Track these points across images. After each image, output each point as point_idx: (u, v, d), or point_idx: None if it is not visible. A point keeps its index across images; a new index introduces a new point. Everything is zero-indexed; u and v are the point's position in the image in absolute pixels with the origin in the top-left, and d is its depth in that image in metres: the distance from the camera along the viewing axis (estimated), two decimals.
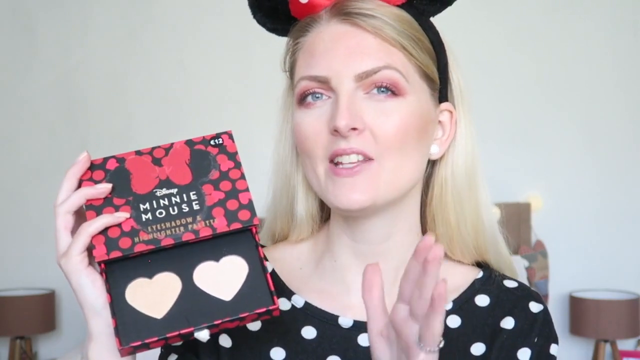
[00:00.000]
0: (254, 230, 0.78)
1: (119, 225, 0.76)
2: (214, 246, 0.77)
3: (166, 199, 0.77)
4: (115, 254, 0.74)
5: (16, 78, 3.54)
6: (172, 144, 0.80)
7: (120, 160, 0.79)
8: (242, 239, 0.78)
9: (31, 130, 3.54)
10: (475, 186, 0.90)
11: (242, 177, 0.79)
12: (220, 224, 0.76)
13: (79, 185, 0.77)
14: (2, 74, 3.54)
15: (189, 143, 0.80)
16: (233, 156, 0.80)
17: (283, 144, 0.93)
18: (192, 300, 0.74)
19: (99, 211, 0.76)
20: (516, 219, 3.29)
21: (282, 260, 0.94)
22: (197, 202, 0.77)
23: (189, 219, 0.76)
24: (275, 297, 0.75)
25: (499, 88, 3.45)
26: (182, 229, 0.76)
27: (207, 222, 0.76)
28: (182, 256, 0.76)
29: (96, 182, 0.77)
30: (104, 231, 0.75)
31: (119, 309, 0.73)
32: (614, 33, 3.44)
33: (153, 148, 0.80)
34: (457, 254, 0.92)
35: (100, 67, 3.53)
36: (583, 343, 3.37)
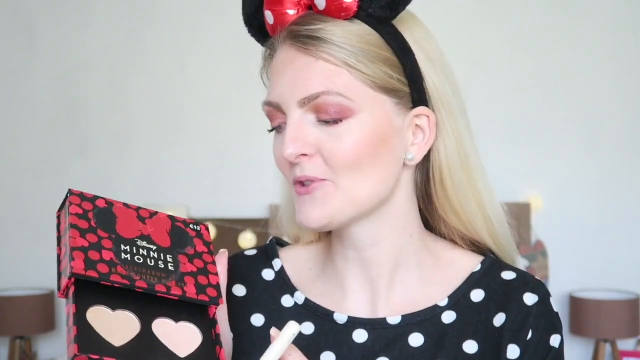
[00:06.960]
0: (214, 309, 0.81)
1: (99, 251, 0.77)
2: (176, 309, 0.79)
3: (146, 251, 0.80)
4: (92, 274, 0.74)
5: (16, 78, 3.54)
6: (157, 212, 0.84)
7: (109, 203, 0.82)
8: (202, 314, 0.81)
9: (31, 130, 3.53)
10: (474, 181, 0.91)
11: (214, 262, 0.83)
12: (190, 291, 0.79)
13: (68, 210, 0.78)
14: (2, 74, 3.54)
15: (171, 218, 0.85)
16: (207, 244, 0.85)
17: None
18: (149, 344, 0.76)
19: (82, 233, 0.77)
20: (516, 219, 3.29)
21: (294, 261, 0.97)
22: (172, 265, 0.80)
23: (163, 275, 0.79)
24: None
25: (499, 88, 3.45)
26: (155, 279, 0.78)
27: (179, 283, 0.79)
28: (145, 304, 0.78)
29: (84, 211, 0.79)
30: (85, 251, 0.76)
31: (81, 322, 0.73)
32: (613, 33, 3.44)
33: (139, 207, 0.83)
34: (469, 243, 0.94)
35: (100, 67, 3.53)
36: (583, 343, 3.38)
